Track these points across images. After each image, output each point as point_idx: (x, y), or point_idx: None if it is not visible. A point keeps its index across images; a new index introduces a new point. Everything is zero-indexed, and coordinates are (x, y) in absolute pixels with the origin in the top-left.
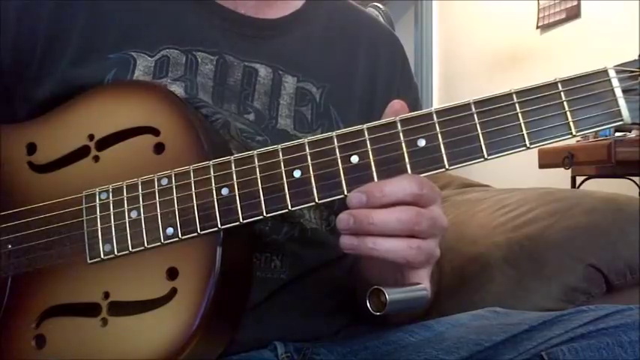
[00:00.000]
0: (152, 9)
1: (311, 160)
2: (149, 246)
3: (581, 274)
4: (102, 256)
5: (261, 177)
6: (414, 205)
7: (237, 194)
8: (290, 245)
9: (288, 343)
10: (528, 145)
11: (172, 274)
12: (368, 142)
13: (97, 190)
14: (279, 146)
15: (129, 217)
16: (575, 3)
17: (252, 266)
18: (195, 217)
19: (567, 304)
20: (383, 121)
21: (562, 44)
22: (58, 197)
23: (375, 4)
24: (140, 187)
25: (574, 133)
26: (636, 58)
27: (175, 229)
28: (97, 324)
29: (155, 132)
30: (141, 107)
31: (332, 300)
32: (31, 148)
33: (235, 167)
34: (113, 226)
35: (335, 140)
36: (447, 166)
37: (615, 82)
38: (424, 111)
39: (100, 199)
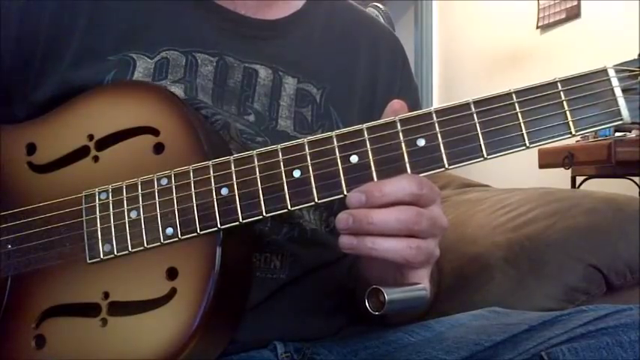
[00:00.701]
0: (152, 10)
1: (310, 160)
2: (149, 246)
3: (581, 274)
4: (101, 256)
5: (260, 177)
6: (414, 205)
7: (236, 194)
8: (290, 246)
9: (287, 343)
10: (528, 145)
11: (172, 274)
12: (367, 141)
13: (97, 190)
14: (279, 146)
15: (128, 217)
16: (575, 3)
17: (251, 266)
18: (194, 217)
19: (567, 304)
20: (382, 120)
21: (562, 44)
22: (57, 197)
23: (375, 4)
24: (140, 187)
25: (573, 133)
26: (636, 57)
27: (175, 229)
28: (97, 324)
29: (155, 132)
30: (140, 107)
31: (331, 300)
32: (31, 149)
33: (235, 167)
34: (113, 226)
35: (334, 140)
36: (446, 166)
37: (615, 82)
38: (424, 111)
39: (99, 199)
